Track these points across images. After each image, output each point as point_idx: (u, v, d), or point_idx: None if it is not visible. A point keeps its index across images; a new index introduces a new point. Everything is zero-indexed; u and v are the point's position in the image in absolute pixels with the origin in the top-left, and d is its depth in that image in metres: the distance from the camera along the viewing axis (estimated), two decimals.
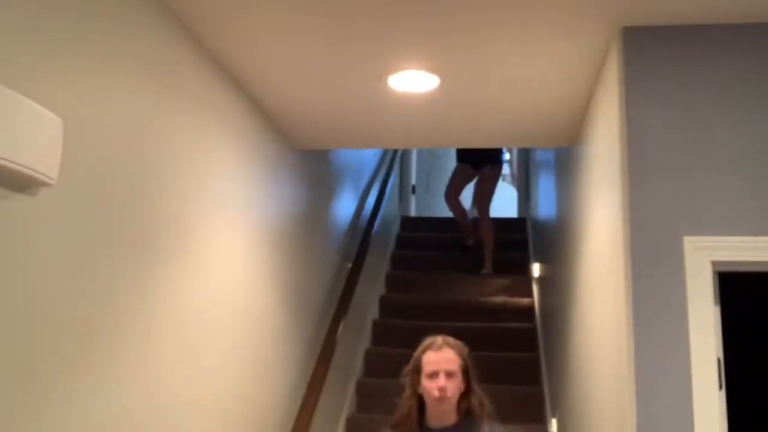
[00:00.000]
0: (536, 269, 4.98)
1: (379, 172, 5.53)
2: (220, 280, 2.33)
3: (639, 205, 1.93)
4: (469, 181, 5.54)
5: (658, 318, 1.89)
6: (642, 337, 1.88)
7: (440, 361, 2.16)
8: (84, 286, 1.55)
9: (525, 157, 6.59)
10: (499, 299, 5.03)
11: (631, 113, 1.99)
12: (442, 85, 2.42)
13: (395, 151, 6.00)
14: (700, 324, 1.88)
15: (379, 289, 5.21)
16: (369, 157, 5.17)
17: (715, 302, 1.92)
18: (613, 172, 2.06)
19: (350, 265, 4.23)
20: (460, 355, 2.20)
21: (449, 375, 2.15)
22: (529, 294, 5.05)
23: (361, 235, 4.57)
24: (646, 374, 1.86)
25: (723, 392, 1.93)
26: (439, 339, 2.22)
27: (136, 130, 1.78)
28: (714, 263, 1.88)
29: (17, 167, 1.27)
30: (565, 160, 3.33)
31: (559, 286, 3.49)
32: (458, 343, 2.24)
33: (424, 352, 2.22)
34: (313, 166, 3.54)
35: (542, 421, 3.94)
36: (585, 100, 2.53)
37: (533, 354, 4.47)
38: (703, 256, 1.87)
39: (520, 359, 4.47)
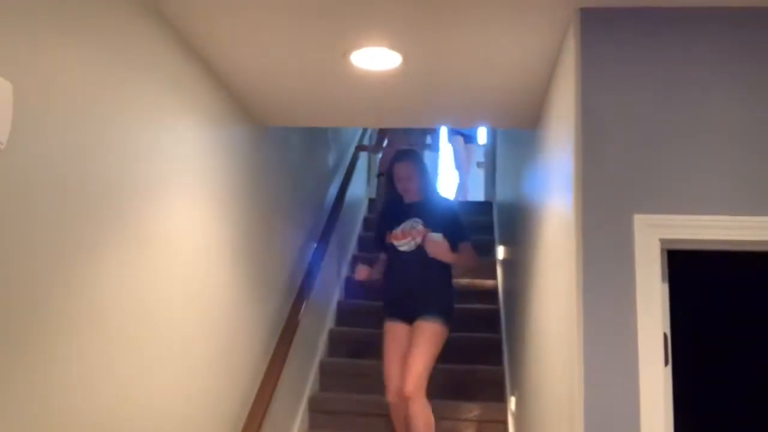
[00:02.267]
0: (500, 252, 5.04)
1: (347, 152, 5.53)
2: (177, 254, 2.32)
3: (591, 183, 1.97)
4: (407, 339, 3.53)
5: (607, 295, 1.93)
6: (591, 315, 1.92)
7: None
8: (33, 253, 1.53)
9: (492, 141, 6.64)
10: (464, 281, 5.08)
11: (586, 93, 2.02)
12: (404, 63, 2.43)
13: (363, 133, 6.00)
14: (648, 301, 1.93)
15: (345, 270, 5.23)
16: (337, 137, 5.17)
17: (663, 279, 1.97)
18: (567, 152, 2.10)
19: (315, 246, 4.23)
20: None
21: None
22: (494, 276, 5.11)
23: (327, 216, 4.57)
24: (595, 351, 1.91)
25: (669, 368, 1.99)
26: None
27: (91, 99, 1.76)
28: (662, 241, 1.93)
29: None
30: (527, 144, 3.37)
31: (519, 267, 3.54)
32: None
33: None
34: (279, 144, 3.53)
35: (503, 400, 4.01)
36: (545, 82, 2.56)
37: (496, 335, 4.54)
38: (652, 234, 1.92)
39: (483, 340, 4.53)
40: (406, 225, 3.57)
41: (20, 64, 1.47)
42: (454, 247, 3.47)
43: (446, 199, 3.84)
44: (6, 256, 1.43)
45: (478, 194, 7.14)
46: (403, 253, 3.54)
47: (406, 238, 3.55)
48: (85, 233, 1.74)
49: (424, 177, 3.66)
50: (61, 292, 1.63)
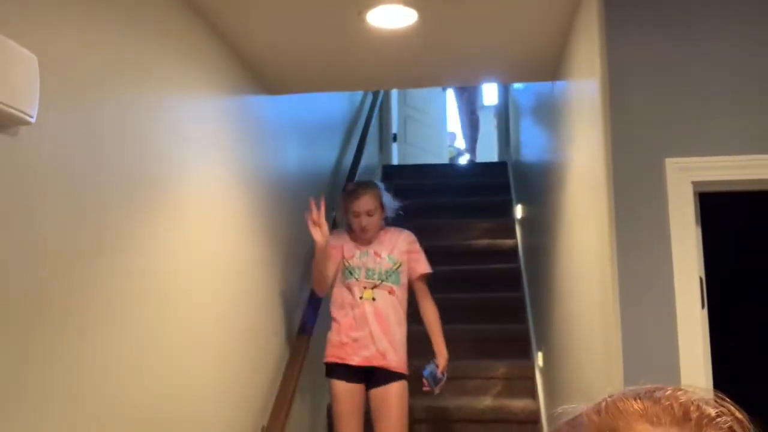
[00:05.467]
0: (519, 211, 5.03)
1: (359, 119, 5.50)
2: (203, 228, 2.32)
3: (620, 130, 1.94)
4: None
5: (641, 240, 1.92)
6: (626, 260, 1.92)
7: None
8: (69, 228, 1.53)
9: (504, 101, 6.58)
10: (483, 242, 5.09)
11: (611, 40, 1.99)
12: (420, 19, 2.39)
13: (374, 99, 5.96)
14: (682, 245, 1.92)
15: None
16: (349, 104, 5.13)
17: (696, 223, 1.96)
18: (593, 101, 2.07)
19: (334, 214, 4.23)
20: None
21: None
22: (513, 236, 5.10)
23: (344, 184, 4.56)
24: (631, 296, 1.91)
25: (705, 311, 1.98)
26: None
27: (112, 73, 1.74)
28: (695, 184, 1.91)
29: None
30: (544, 99, 3.33)
31: (542, 224, 3.52)
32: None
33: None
34: (293, 113, 3.50)
35: (529, 357, 4.03)
36: (564, 31, 2.52)
37: (518, 293, 4.55)
38: (684, 178, 1.90)
39: (505, 299, 4.54)
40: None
41: (45, 38, 1.45)
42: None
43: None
44: (37, 230, 1.43)
45: (491, 155, 7.11)
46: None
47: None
48: (114, 207, 1.73)
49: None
50: (90, 272, 1.63)
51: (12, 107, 1.29)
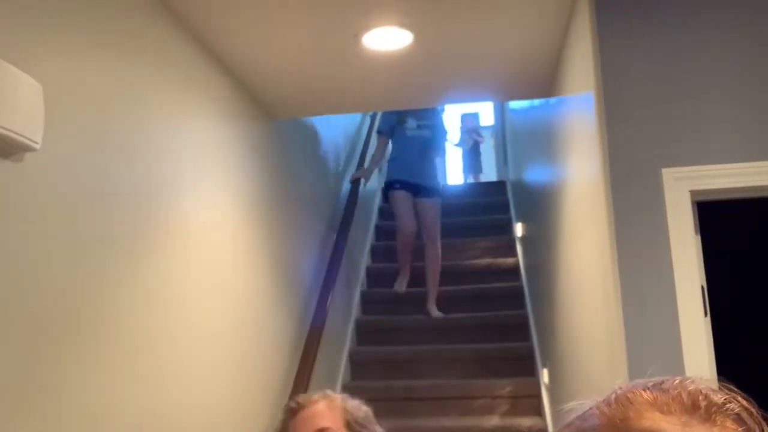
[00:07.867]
0: (519, 229, 5.04)
1: (358, 143, 5.53)
2: (206, 252, 2.33)
3: (616, 142, 1.96)
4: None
5: (642, 251, 1.93)
6: (626, 272, 1.92)
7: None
8: (72, 253, 1.55)
9: (501, 121, 6.64)
10: (484, 261, 5.09)
11: (604, 54, 2.02)
12: (415, 40, 2.43)
13: (372, 122, 6.00)
14: (682, 254, 1.93)
15: (365, 260, 5.24)
16: (348, 127, 5.17)
17: (696, 232, 1.97)
18: (589, 114, 2.09)
19: (335, 237, 4.24)
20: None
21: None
22: (514, 254, 5.11)
23: (344, 207, 4.58)
24: (633, 307, 1.91)
25: (708, 319, 1.99)
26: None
27: (115, 100, 1.77)
28: (693, 193, 1.93)
29: (3, 131, 1.27)
30: (542, 116, 3.36)
31: (543, 240, 3.54)
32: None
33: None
34: (292, 137, 3.54)
35: (534, 374, 4.02)
36: (558, 47, 2.55)
37: (521, 311, 4.54)
38: (681, 187, 1.92)
39: (508, 317, 4.54)
40: None
41: (48, 67, 1.48)
42: None
43: None
44: (45, 256, 1.45)
45: (490, 174, 7.15)
46: None
47: None
48: (118, 232, 1.75)
49: None
50: (97, 292, 1.64)
51: (17, 134, 1.32)
